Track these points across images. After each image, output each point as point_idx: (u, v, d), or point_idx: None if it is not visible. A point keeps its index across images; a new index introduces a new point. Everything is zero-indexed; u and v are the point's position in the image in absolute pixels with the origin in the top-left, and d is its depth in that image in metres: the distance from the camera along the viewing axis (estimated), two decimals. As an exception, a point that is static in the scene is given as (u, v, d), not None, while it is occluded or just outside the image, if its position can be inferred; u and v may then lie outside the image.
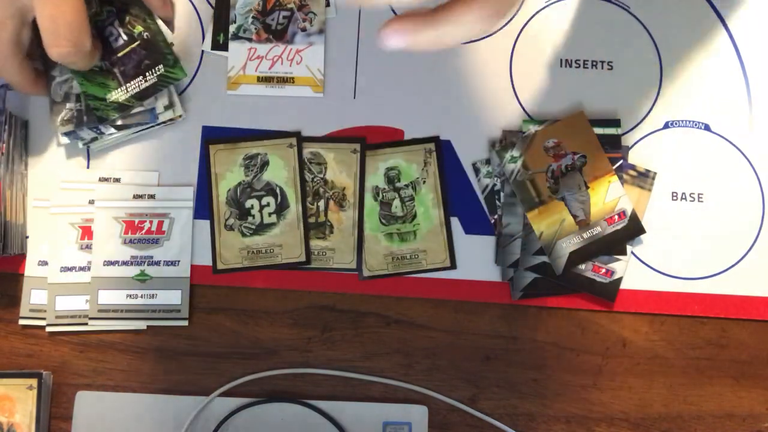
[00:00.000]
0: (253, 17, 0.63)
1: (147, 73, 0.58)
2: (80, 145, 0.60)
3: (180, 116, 0.61)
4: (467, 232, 0.61)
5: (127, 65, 0.58)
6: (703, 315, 0.61)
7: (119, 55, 0.58)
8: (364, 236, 0.60)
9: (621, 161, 0.61)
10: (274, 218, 0.60)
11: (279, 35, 0.62)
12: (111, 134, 0.60)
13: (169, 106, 0.60)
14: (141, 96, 0.58)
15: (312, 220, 0.61)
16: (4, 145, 0.58)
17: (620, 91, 0.63)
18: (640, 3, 0.64)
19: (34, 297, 0.60)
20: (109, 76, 0.58)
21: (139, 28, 0.58)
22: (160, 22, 0.59)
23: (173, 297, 0.60)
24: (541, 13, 0.64)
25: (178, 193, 0.61)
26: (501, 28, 0.64)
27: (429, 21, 0.41)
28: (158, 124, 0.61)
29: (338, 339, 0.60)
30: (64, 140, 0.59)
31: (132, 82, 0.58)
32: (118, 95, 0.58)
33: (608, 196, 0.60)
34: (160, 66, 0.58)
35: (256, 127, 0.62)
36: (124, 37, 0.58)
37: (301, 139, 0.61)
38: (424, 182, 0.61)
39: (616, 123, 0.62)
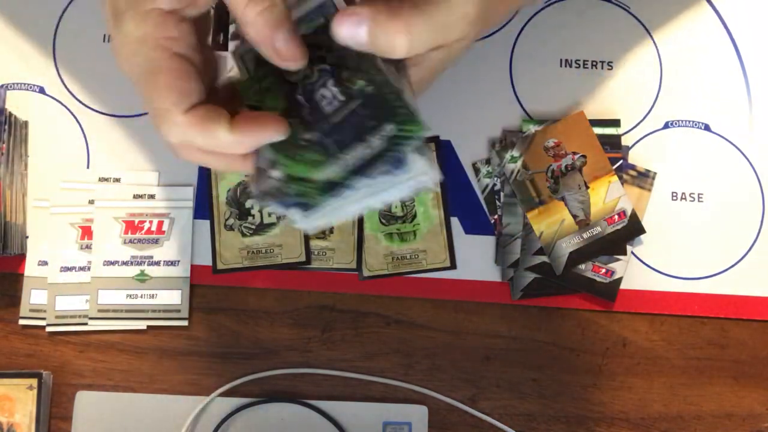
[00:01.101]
0: (253, 17, 0.62)
1: (371, 138, 0.41)
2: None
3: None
4: (467, 232, 0.61)
5: (344, 132, 0.41)
6: (703, 315, 0.61)
7: (333, 122, 0.41)
8: (364, 236, 0.60)
9: (621, 161, 0.61)
10: (274, 218, 0.60)
11: (279, 35, 0.62)
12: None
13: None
14: (363, 169, 0.41)
15: (312, 220, 0.60)
16: (4, 145, 0.58)
17: (620, 91, 0.63)
18: (640, 3, 0.64)
19: (34, 297, 0.60)
20: (319, 150, 0.41)
21: (360, 83, 0.41)
22: (388, 68, 0.41)
23: (173, 297, 0.60)
24: (541, 13, 0.64)
25: (178, 193, 0.61)
26: (501, 28, 0.64)
27: (395, 11, 0.37)
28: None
29: (338, 339, 0.60)
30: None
31: (350, 153, 0.41)
32: (329, 173, 0.41)
33: (608, 196, 0.60)
34: (391, 126, 0.40)
35: (256, 127, 0.62)
36: (340, 97, 0.41)
37: (301, 139, 0.61)
38: (424, 182, 0.61)
39: (616, 123, 0.62)
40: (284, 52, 0.38)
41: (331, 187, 0.41)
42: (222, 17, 0.63)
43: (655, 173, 0.62)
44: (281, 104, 0.42)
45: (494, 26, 0.42)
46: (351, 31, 0.37)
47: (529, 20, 0.64)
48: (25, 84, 0.63)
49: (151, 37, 0.38)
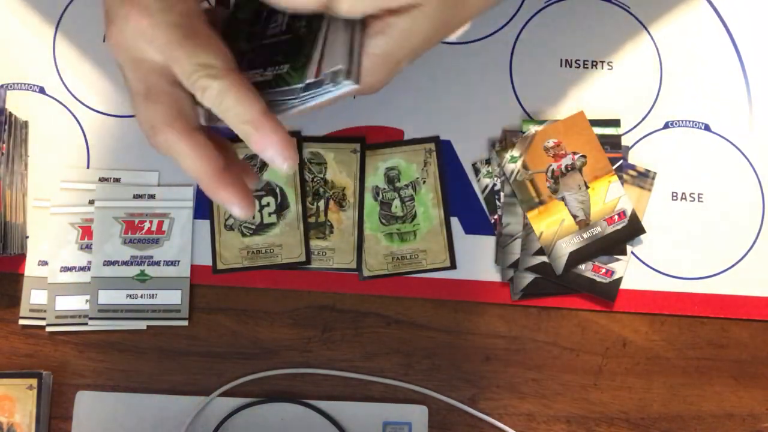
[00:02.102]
0: (253, 17, 0.62)
1: (269, 69, 0.44)
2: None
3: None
4: (467, 232, 0.61)
5: (262, 55, 0.46)
6: (703, 315, 0.61)
7: (263, 42, 0.46)
8: (364, 236, 0.60)
9: (621, 161, 0.61)
10: (274, 218, 0.60)
11: (279, 35, 0.62)
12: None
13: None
14: (261, 86, 0.44)
15: (312, 220, 0.61)
16: (4, 145, 0.58)
17: (620, 91, 0.63)
18: (640, 3, 0.64)
19: (34, 297, 0.60)
20: (237, 58, 0.44)
21: (301, 23, 0.45)
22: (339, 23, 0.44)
23: (173, 297, 0.60)
24: (541, 13, 0.64)
25: (178, 193, 0.61)
26: (501, 28, 0.64)
27: None
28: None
29: (338, 339, 0.60)
30: None
31: (250, 73, 0.45)
32: None
33: (608, 196, 0.60)
34: (285, 65, 0.44)
35: (256, 127, 0.62)
36: (283, 26, 0.46)
37: (300, 139, 0.61)
38: (424, 182, 0.61)
39: (616, 123, 0.62)
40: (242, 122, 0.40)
41: None
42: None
43: (655, 173, 0.62)
44: (250, 14, 0.48)
45: (467, 12, 0.42)
46: None
47: (529, 20, 0.64)
48: (25, 84, 0.63)
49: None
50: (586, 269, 0.60)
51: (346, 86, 0.41)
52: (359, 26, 0.43)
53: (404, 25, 0.41)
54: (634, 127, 0.63)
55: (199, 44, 0.40)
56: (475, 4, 0.43)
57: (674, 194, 0.62)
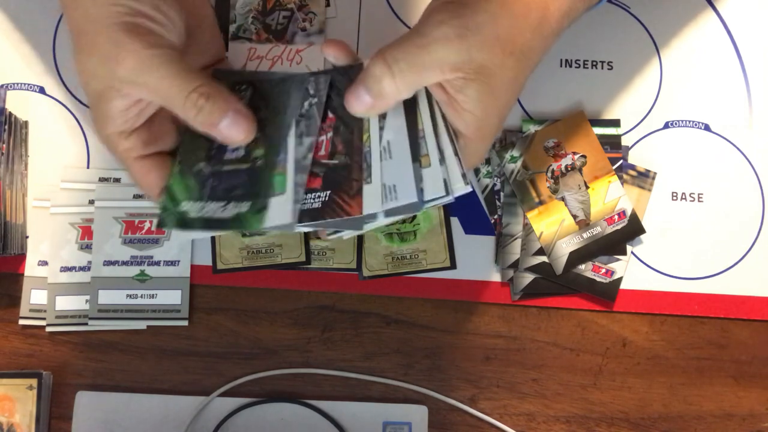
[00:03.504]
0: (253, 17, 0.63)
1: (230, 204, 0.46)
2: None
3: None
4: (467, 232, 0.61)
5: (221, 184, 0.46)
6: (703, 315, 0.61)
7: (224, 168, 0.47)
8: (364, 236, 0.60)
9: (621, 161, 0.61)
10: (274, 218, 0.60)
11: (279, 35, 0.62)
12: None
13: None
14: (210, 225, 0.46)
15: (312, 220, 0.61)
16: (4, 145, 0.58)
17: (620, 91, 0.63)
18: (640, 3, 0.64)
19: (34, 297, 0.60)
20: (198, 183, 0.47)
21: (258, 152, 0.46)
22: (295, 152, 0.46)
23: (173, 297, 0.60)
24: (541, 13, 0.64)
25: (178, 193, 0.61)
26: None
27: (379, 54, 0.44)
28: None
29: (338, 339, 0.60)
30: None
31: (212, 204, 0.46)
32: (189, 208, 0.46)
33: (608, 196, 0.60)
34: (247, 204, 0.45)
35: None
36: (241, 152, 0.47)
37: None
38: (424, 182, 0.61)
39: (616, 123, 0.62)
40: (230, 138, 0.45)
41: (183, 222, 0.46)
42: (222, 17, 0.63)
43: (655, 173, 0.62)
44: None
45: (511, 84, 0.45)
46: (358, 102, 0.44)
47: (529, 20, 0.64)
48: (25, 84, 0.63)
49: (115, 151, 0.46)
50: (586, 269, 0.60)
51: (461, 190, 0.45)
52: (444, 132, 0.45)
53: (473, 93, 0.44)
54: (634, 127, 0.63)
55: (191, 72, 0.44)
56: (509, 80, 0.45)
57: (674, 194, 0.62)
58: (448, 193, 0.44)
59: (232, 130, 0.44)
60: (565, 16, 0.46)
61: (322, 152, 0.46)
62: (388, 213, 0.44)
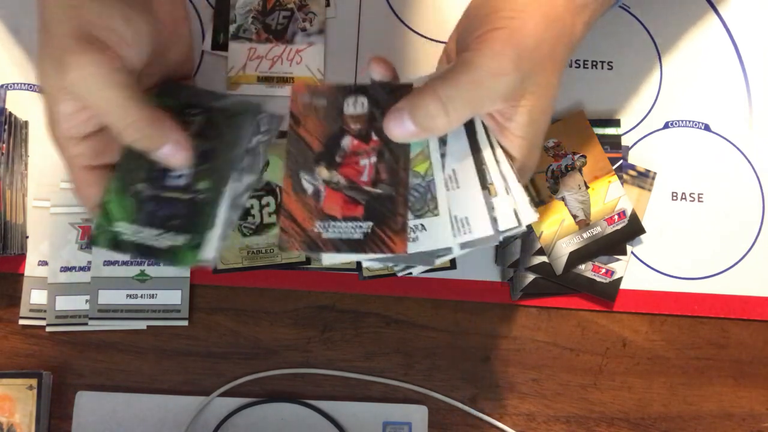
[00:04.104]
0: (253, 17, 0.63)
1: (167, 234, 0.43)
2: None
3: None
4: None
5: (159, 210, 0.44)
6: (703, 315, 0.61)
7: (165, 195, 0.44)
8: (364, 236, 0.60)
9: (621, 161, 0.61)
10: (273, 218, 0.60)
11: (279, 35, 0.62)
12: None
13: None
14: (142, 252, 0.44)
15: (312, 220, 0.60)
16: (4, 145, 0.58)
17: (620, 91, 0.63)
18: (640, 3, 0.64)
19: (34, 297, 0.60)
20: (136, 206, 0.45)
21: (203, 184, 0.44)
22: (232, 188, 0.44)
23: (173, 297, 0.60)
24: (541, 13, 0.64)
25: (178, 193, 0.61)
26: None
27: (427, 89, 0.42)
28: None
29: (338, 339, 0.60)
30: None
31: (145, 230, 0.44)
32: (124, 229, 0.44)
33: (608, 196, 0.60)
34: (183, 237, 0.43)
35: (256, 127, 0.62)
36: (183, 181, 0.45)
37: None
38: (425, 182, 0.61)
39: (616, 123, 0.62)
40: (165, 163, 0.44)
41: (115, 244, 0.44)
42: (222, 17, 0.63)
43: (655, 173, 0.62)
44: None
45: (545, 89, 0.44)
46: (400, 128, 0.41)
47: (529, 20, 0.64)
48: (25, 84, 0.63)
49: (63, 154, 0.45)
50: (586, 269, 0.60)
51: (531, 219, 0.44)
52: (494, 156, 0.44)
53: (523, 120, 0.43)
54: (634, 127, 0.63)
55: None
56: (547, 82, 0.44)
57: (674, 194, 0.62)
58: (520, 223, 0.43)
59: (170, 159, 0.43)
60: (587, 26, 0.46)
61: (365, 178, 0.43)
62: (464, 246, 0.43)
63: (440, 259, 0.43)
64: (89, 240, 0.44)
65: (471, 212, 0.42)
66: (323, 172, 0.43)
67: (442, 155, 0.43)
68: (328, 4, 0.63)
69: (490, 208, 0.42)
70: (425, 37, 0.63)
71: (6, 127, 0.59)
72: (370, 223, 0.42)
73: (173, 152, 0.43)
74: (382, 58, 0.45)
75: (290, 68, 0.62)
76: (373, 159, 0.43)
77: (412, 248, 0.42)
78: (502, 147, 0.44)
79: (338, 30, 0.63)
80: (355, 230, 0.42)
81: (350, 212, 0.42)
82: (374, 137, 0.43)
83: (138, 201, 0.44)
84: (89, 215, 0.47)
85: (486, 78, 0.40)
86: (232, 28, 0.63)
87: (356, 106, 0.43)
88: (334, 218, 0.42)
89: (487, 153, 0.43)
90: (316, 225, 0.42)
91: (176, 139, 0.43)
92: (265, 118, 0.46)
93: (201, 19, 0.63)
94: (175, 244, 0.43)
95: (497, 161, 0.43)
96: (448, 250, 0.42)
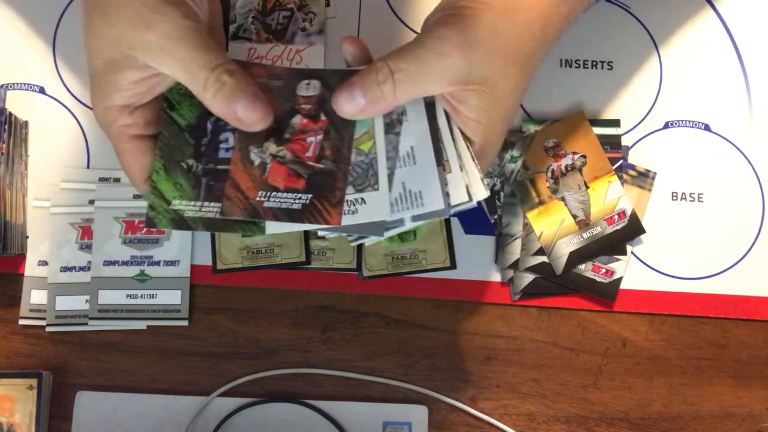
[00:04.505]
0: (253, 17, 0.63)
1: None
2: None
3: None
4: (467, 232, 0.61)
5: (218, 183, 0.45)
6: (703, 315, 0.61)
7: (220, 167, 0.46)
8: (364, 236, 0.60)
9: (621, 161, 0.61)
10: (274, 218, 0.60)
11: (279, 35, 0.62)
12: None
13: None
14: (210, 225, 0.45)
15: (312, 220, 0.61)
16: (4, 145, 0.58)
17: (620, 91, 0.63)
18: (640, 3, 0.64)
19: (34, 297, 0.60)
20: (191, 181, 0.46)
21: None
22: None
23: (173, 297, 0.60)
24: (541, 13, 0.64)
25: (178, 193, 0.61)
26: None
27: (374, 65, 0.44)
28: None
29: (338, 339, 0.60)
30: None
31: (210, 204, 0.45)
32: (184, 207, 0.45)
33: (608, 196, 0.60)
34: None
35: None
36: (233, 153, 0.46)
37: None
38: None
39: (616, 123, 0.62)
40: (245, 120, 0.43)
41: (179, 222, 0.45)
42: (222, 17, 0.63)
43: (655, 173, 0.62)
44: (192, 116, 0.47)
45: (511, 93, 0.46)
46: (350, 104, 0.43)
47: (529, 20, 0.64)
48: (25, 84, 0.63)
49: (112, 125, 0.45)
50: (586, 269, 0.60)
51: (482, 195, 0.45)
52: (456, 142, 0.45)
53: (475, 104, 0.44)
54: (634, 127, 0.63)
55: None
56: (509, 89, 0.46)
57: (674, 194, 0.62)
58: (471, 198, 0.44)
59: (249, 112, 0.43)
60: (566, 19, 0.46)
61: (309, 153, 0.45)
62: (415, 218, 0.44)
63: (390, 231, 0.45)
64: (146, 223, 0.45)
65: (425, 187, 0.44)
66: (271, 147, 0.45)
67: (398, 133, 0.45)
68: (328, 4, 0.63)
69: (444, 183, 0.44)
70: (425, 37, 0.63)
71: (6, 127, 0.59)
72: (309, 196, 0.44)
73: (252, 105, 0.43)
74: (352, 37, 0.47)
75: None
76: (320, 137, 0.45)
77: (351, 220, 0.44)
78: (459, 129, 0.46)
79: (338, 30, 0.63)
80: (295, 201, 0.44)
81: (292, 184, 0.44)
82: (323, 117, 0.46)
83: (192, 178, 0.46)
84: (140, 191, 0.47)
85: (431, 57, 0.42)
86: (232, 28, 0.63)
87: (308, 89, 0.46)
88: (276, 189, 0.44)
89: (444, 133, 0.45)
90: (259, 194, 0.45)
91: (255, 91, 0.43)
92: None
93: (201, 19, 0.63)
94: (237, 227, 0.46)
95: (454, 140, 0.45)
96: (400, 221, 0.44)
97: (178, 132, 0.46)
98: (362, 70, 0.44)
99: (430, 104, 0.46)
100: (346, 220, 0.44)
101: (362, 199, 0.45)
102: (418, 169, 0.45)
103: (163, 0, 0.42)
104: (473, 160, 0.45)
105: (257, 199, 0.44)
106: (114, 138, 0.46)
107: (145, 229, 0.60)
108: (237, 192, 0.45)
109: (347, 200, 0.44)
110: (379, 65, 0.43)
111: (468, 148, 0.45)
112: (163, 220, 0.45)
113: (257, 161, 0.45)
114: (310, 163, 0.45)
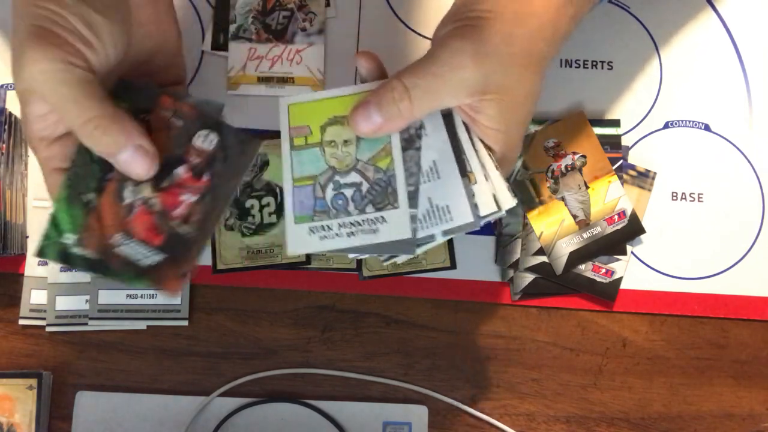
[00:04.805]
0: (253, 17, 0.63)
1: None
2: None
3: None
4: (467, 232, 0.61)
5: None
6: (703, 315, 0.61)
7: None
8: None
9: (621, 161, 0.61)
10: (274, 218, 0.60)
11: (279, 35, 0.62)
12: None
13: None
14: (91, 266, 0.43)
15: (312, 220, 0.60)
16: (4, 145, 0.58)
17: (620, 91, 0.63)
18: (640, 3, 0.64)
19: (34, 297, 0.60)
20: (88, 213, 0.44)
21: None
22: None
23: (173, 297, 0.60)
24: (541, 13, 0.64)
25: (178, 193, 0.61)
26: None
27: (389, 82, 0.44)
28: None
29: (338, 339, 0.60)
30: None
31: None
32: (73, 242, 0.43)
33: (608, 196, 0.60)
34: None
35: (255, 127, 0.62)
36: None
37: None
38: (424, 182, 0.61)
39: (616, 123, 0.62)
40: (127, 171, 0.42)
41: (64, 257, 0.43)
42: (222, 17, 0.63)
43: (655, 173, 0.62)
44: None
45: (524, 96, 0.45)
46: (366, 122, 0.43)
47: (529, 20, 0.64)
48: (25, 84, 0.62)
49: (36, 156, 0.44)
50: (586, 269, 0.60)
51: (510, 204, 0.45)
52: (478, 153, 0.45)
53: (493, 113, 0.44)
54: (634, 127, 0.63)
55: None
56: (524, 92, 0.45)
57: (674, 194, 0.62)
58: (499, 208, 0.44)
59: (131, 165, 0.42)
60: (573, 20, 0.46)
61: (177, 212, 0.44)
62: (446, 233, 0.44)
63: (422, 248, 0.45)
64: (36, 251, 0.43)
65: (452, 200, 0.44)
66: (146, 190, 0.44)
67: (418, 149, 0.45)
68: (328, 4, 0.63)
69: (470, 195, 0.44)
70: (425, 37, 0.63)
71: (6, 127, 0.59)
72: (162, 257, 0.43)
73: (134, 158, 0.41)
74: (367, 52, 0.47)
75: (290, 68, 0.62)
76: (194, 198, 0.44)
77: (372, 239, 0.44)
78: (480, 138, 0.46)
79: (338, 30, 0.63)
80: (146, 257, 0.43)
81: (150, 239, 0.43)
82: (205, 178, 0.44)
83: (87, 213, 0.44)
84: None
85: (446, 71, 0.42)
86: (232, 28, 0.63)
87: (204, 142, 0.45)
88: (132, 237, 0.43)
89: (466, 144, 0.45)
90: (115, 236, 0.43)
91: (138, 143, 0.41)
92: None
93: (201, 19, 0.63)
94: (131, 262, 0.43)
95: (476, 150, 0.45)
96: (431, 237, 0.44)
97: (88, 162, 0.44)
98: (376, 88, 0.43)
99: (447, 115, 0.46)
100: (367, 239, 0.43)
101: (382, 217, 0.44)
102: (443, 182, 0.44)
103: (36, 39, 0.39)
104: (497, 168, 0.45)
105: (111, 241, 0.43)
106: (40, 167, 0.45)
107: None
108: (98, 225, 0.43)
109: (368, 219, 0.44)
110: (394, 83, 0.43)
111: (491, 157, 0.45)
112: (51, 251, 0.43)
113: (127, 200, 0.44)
114: (174, 222, 0.43)
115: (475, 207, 0.44)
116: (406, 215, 0.43)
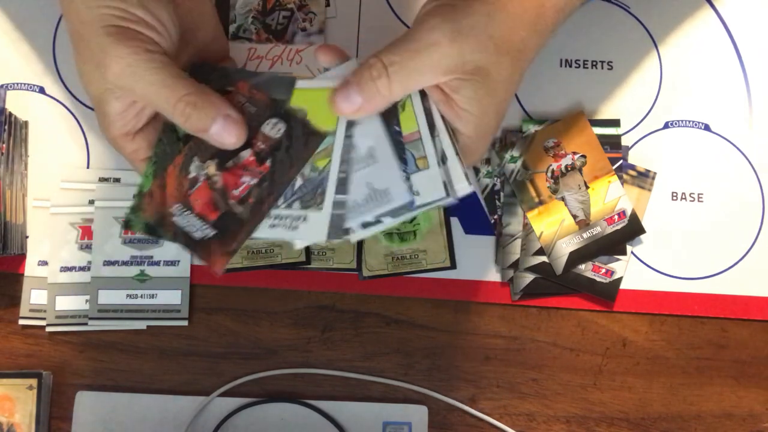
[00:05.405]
0: (253, 17, 0.63)
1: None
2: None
3: None
4: (467, 232, 0.61)
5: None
6: (703, 315, 0.61)
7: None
8: (364, 236, 0.60)
9: (621, 161, 0.61)
10: (274, 218, 0.60)
11: (279, 35, 0.62)
12: None
13: None
14: (177, 238, 0.46)
15: (312, 220, 0.61)
16: (4, 145, 0.58)
17: (620, 91, 0.63)
18: (640, 3, 0.64)
19: (34, 297, 0.60)
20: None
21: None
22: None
23: (173, 297, 0.60)
24: (541, 13, 0.64)
25: (178, 193, 0.61)
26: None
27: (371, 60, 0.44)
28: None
29: (338, 339, 0.60)
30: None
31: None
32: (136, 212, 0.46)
33: (608, 196, 0.60)
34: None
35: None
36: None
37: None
38: (424, 182, 0.61)
39: (616, 123, 0.62)
40: (218, 141, 0.44)
41: (150, 229, 0.46)
42: (222, 17, 0.63)
43: (655, 173, 0.62)
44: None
45: (504, 84, 0.45)
46: (347, 103, 0.43)
47: (529, 20, 0.64)
48: (25, 84, 0.63)
49: (122, 152, 0.47)
50: (586, 269, 0.60)
51: (464, 191, 0.45)
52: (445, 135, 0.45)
53: (469, 93, 0.44)
54: (634, 127, 0.63)
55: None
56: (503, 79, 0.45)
57: (674, 194, 0.62)
58: (448, 194, 0.44)
59: (223, 135, 0.44)
60: (561, 11, 0.46)
61: (236, 192, 0.45)
62: (393, 215, 0.44)
63: (370, 230, 0.45)
64: (123, 224, 0.45)
65: (391, 184, 0.44)
66: (211, 168, 0.46)
67: (349, 136, 0.45)
68: (328, 4, 0.63)
69: (407, 177, 0.44)
70: (425, 37, 0.63)
71: (6, 127, 0.59)
72: (214, 232, 0.45)
73: (225, 128, 0.43)
74: (326, 46, 0.47)
75: (290, 68, 0.62)
76: (254, 181, 0.45)
77: (288, 236, 0.45)
78: (447, 122, 0.45)
79: (338, 30, 0.63)
80: (199, 229, 0.45)
81: (206, 212, 0.45)
82: (267, 163, 0.45)
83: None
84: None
85: (422, 48, 0.42)
86: (232, 28, 0.63)
87: (272, 130, 0.46)
88: (191, 209, 0.45)
89: (423, 126, 0.45)
90: (175, 206, 0.45)
91: (225, 114, 0.43)
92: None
93: (201, 19, 0.63)
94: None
95: (433, 135, 0.45)
96: (377, 221, 0.44)
97: (175, 141, 0.46)
98: (356, 68, 0.44)
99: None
100: (286, 235, 0.44)
101: (305, 216, 0.45)
102: (381, 167, 0.45)
103: (113, 38, 0.42)
104: (458, 155, 0.45)
105: (170, 209, 0.45)
106: (129, 163, 0.48)
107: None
108: (160, 192, 0.45)
109: (291, 215, 0.45)
110: (372, 61, 0.43)
111: (453, 143, 0.45)
112: (137, 223, 0.46)
113: (192, 174, 0.46)
114: (232, 201, 0.45)
115: (410, 189, 0.44)
116: (327, 221, 0.44)
